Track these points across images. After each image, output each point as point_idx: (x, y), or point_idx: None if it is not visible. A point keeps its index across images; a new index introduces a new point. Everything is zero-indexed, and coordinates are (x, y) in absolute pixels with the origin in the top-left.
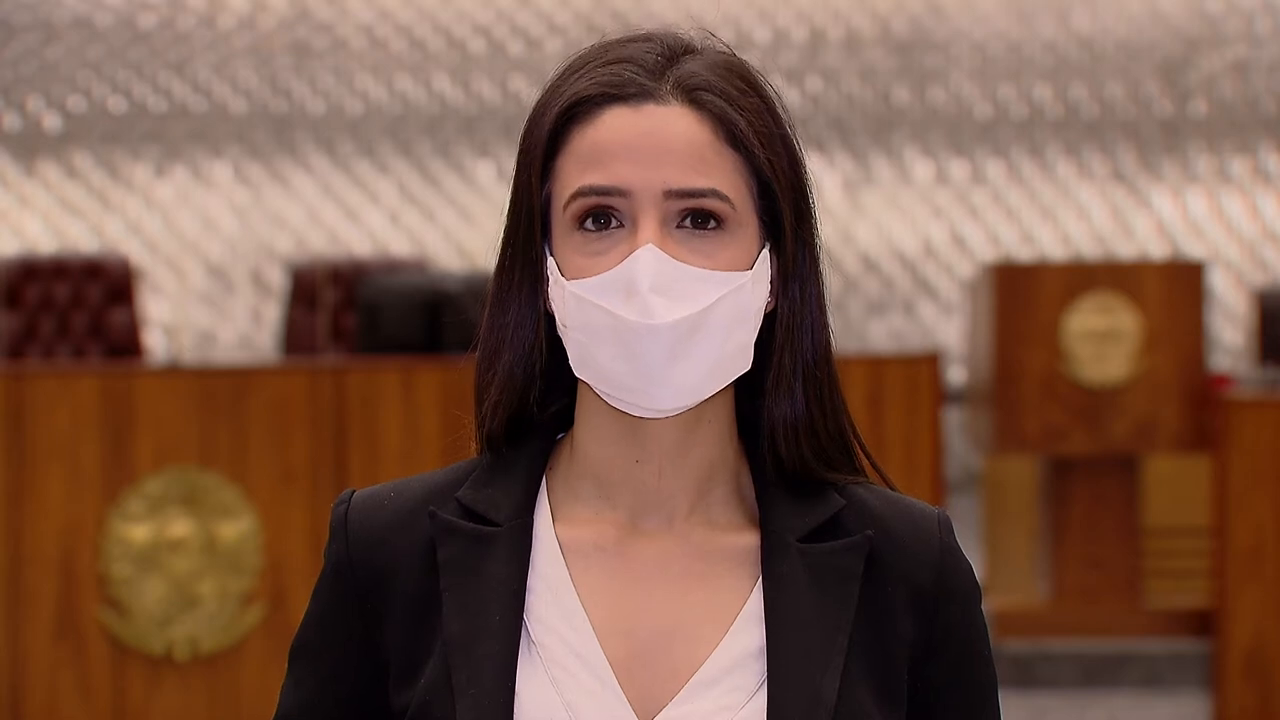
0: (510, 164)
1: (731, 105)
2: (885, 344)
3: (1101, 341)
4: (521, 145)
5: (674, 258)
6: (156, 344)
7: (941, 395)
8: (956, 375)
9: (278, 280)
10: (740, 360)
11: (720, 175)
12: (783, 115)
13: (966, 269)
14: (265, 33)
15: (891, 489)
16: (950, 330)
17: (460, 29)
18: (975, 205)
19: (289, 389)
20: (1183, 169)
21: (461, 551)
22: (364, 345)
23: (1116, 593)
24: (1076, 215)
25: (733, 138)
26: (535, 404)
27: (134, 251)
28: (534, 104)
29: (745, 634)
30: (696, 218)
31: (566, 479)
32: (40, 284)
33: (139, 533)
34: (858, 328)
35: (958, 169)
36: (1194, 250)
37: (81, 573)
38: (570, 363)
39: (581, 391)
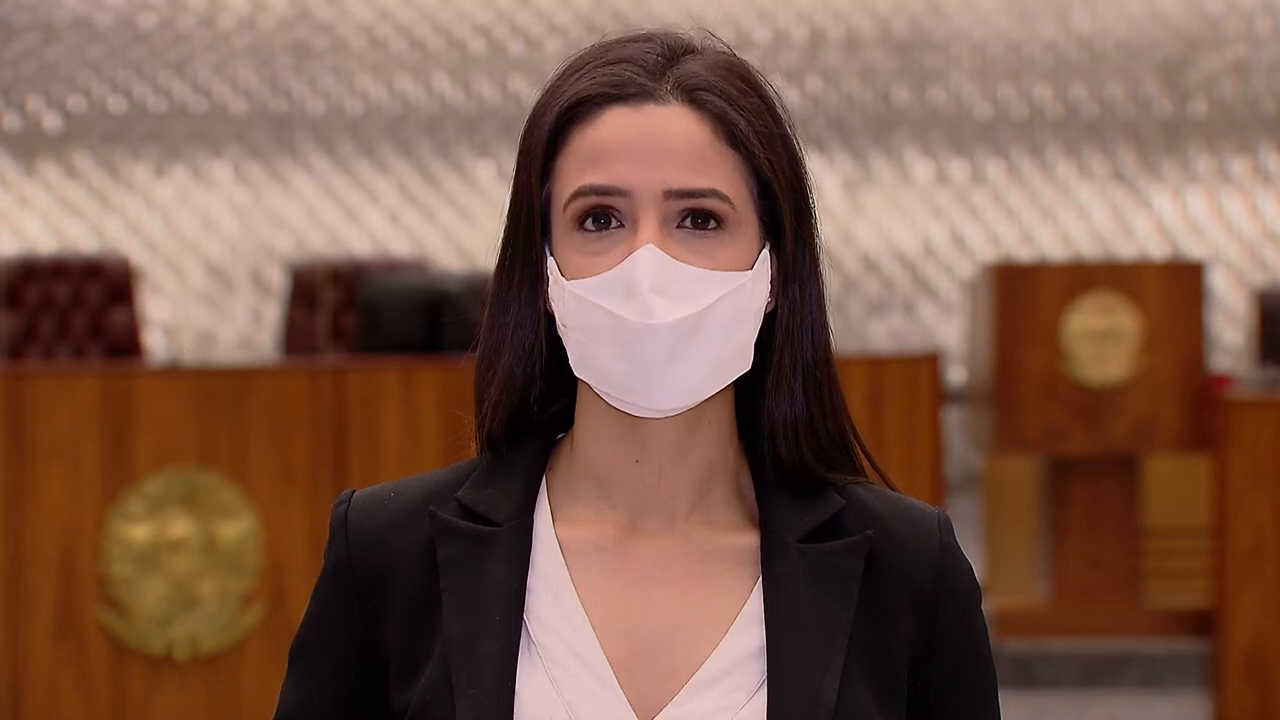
0: (510, 164)
1: (731, 105)
2: (885, 344)
3: (1101, 341)
4: (521, 145)
5: (674, 258)
6: (156, 344)
7: (941, 395)
8: (956, 375)
9: (278, 280)
10: (740, 360)
11: (720, 175)
12: (783, 115)
13: (966, 269)
14: (265, 33)
15: (891, 489)
16: (950, 330)
17: (460, 29)
18: (975, 205)
19: (289, 389)
20: (1183, 169)
21: (461, 551)
22: (364, 345)
23: (1116, 593)
24: (1076, 215)
25: (733, 138)
26: (535, 404)
27: (134, 251)
28: (534, 104)
29: (745, 634)
30: (696, 218)
31: (566, 479)
32: (40, 284)
33: (139, 533)
34: (858, 328)
35: (958, 169)
36: (1194, 250)
37: (81, 573)
38: (570, 363)
39: (581, 391)
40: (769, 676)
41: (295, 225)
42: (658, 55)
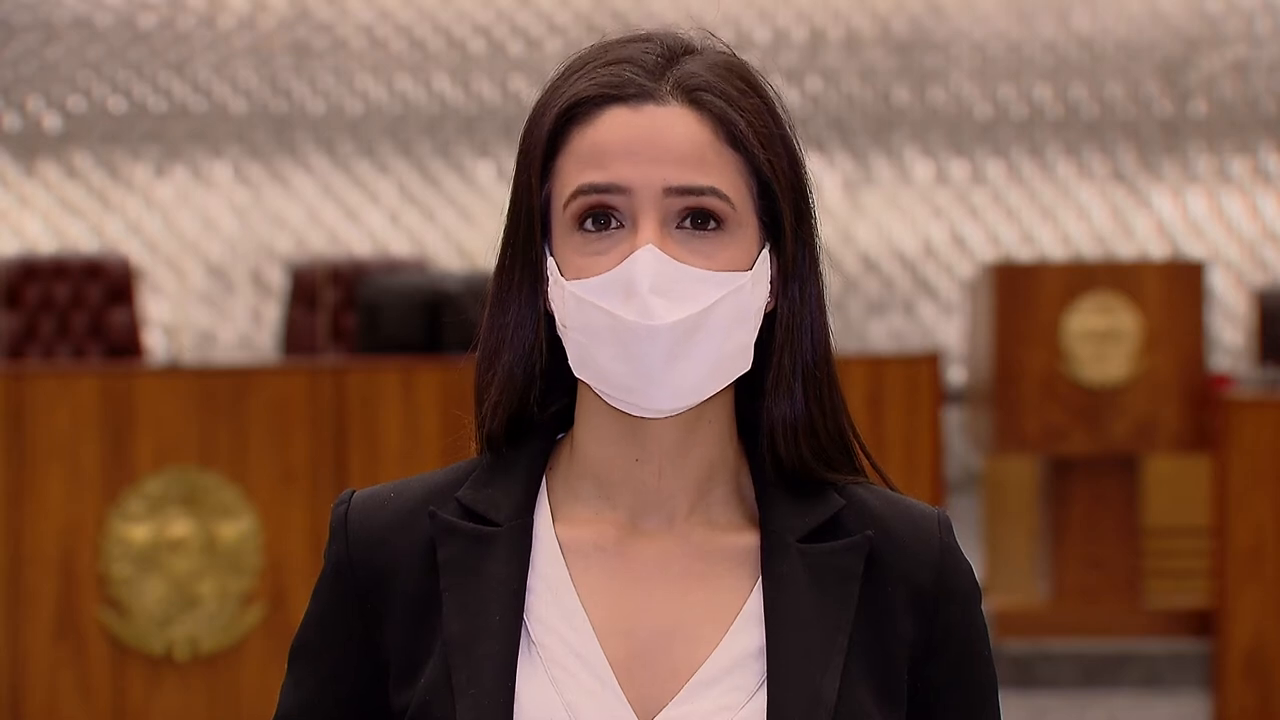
0: (510, 164)
1: (731, 105)
2: (885, 344)
3: (1101, 341)
4: (521, 146)
5: (674, 258)
6: (156, 344)
7: (941, 395)
8: (956, 375)
9: (278, 280)
10: (740, 360)
11: (720, 175)
12: (783, 116)
13: (966, 269)
14: (265, 33)
15: (891, 489)
16: (950, 330)
17: (460, 29)
18: (975, 205)
19: (289, 389)
20: (1183, 169)
21: (461, 551)
22: (364, 345)
23: (1116, 593)
24: (1076, 215)
25: (733, 138)
26: (535, 404)
27: (134, 251)
28: (534, 104)
29: (745, 634)
30: (696, 218)
31: (566, 479)
32: (40, 284)
33: (139, 533)
34: (858, 328)
35: (958, 169)
36: (1194, 250)
37: (81, 573)
38: (570, 363)
39: (581, 391)
40: (769, 676)
41: (295, 225)
42: (657, 56)
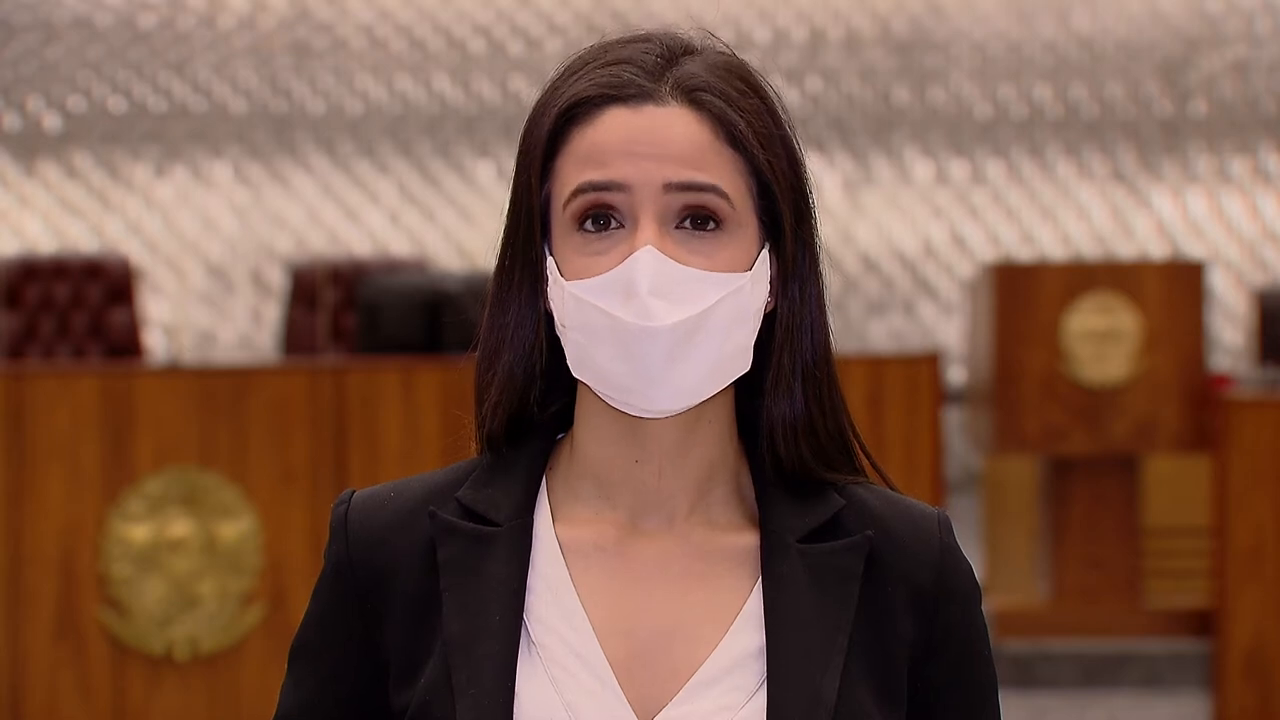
0: (510, 164)
1: (731, 106)
2: (885, 344)
3: (1101, 341)
4: (521, 146)
5: (673, 259)
6: (156, 344)
7: (941, 395)
8: (956, 375)
9: (278, 280)
10: (739, 361)
11: (720, 174)
12: (782, 116)
13: (966, 269)
14: (265, 33)
15: (892, 489)
16: (950, 330)
17: (460, 29)
18: (975, 205)
19: (289, 389)
20: (1183, 169)
21: (461, 551)
22: (364, 345)
23: (1116, 593)
24: (1076, 215)
25: (732, 138)
26: (535, 404)
27: (134, 251)
28: (534, 104)
29: (745, 634)
30: (696, 219)
31: (566, 479)
32: (40, 284)
33: (139, 533)
34: (858, 328)
35: (958, 169)
36: (1194, 250)
37: (81, 573)
38: (568, 363)
39: (581, 392)
40: (769, 676)
41: (295, 225)
42: (657, 56)
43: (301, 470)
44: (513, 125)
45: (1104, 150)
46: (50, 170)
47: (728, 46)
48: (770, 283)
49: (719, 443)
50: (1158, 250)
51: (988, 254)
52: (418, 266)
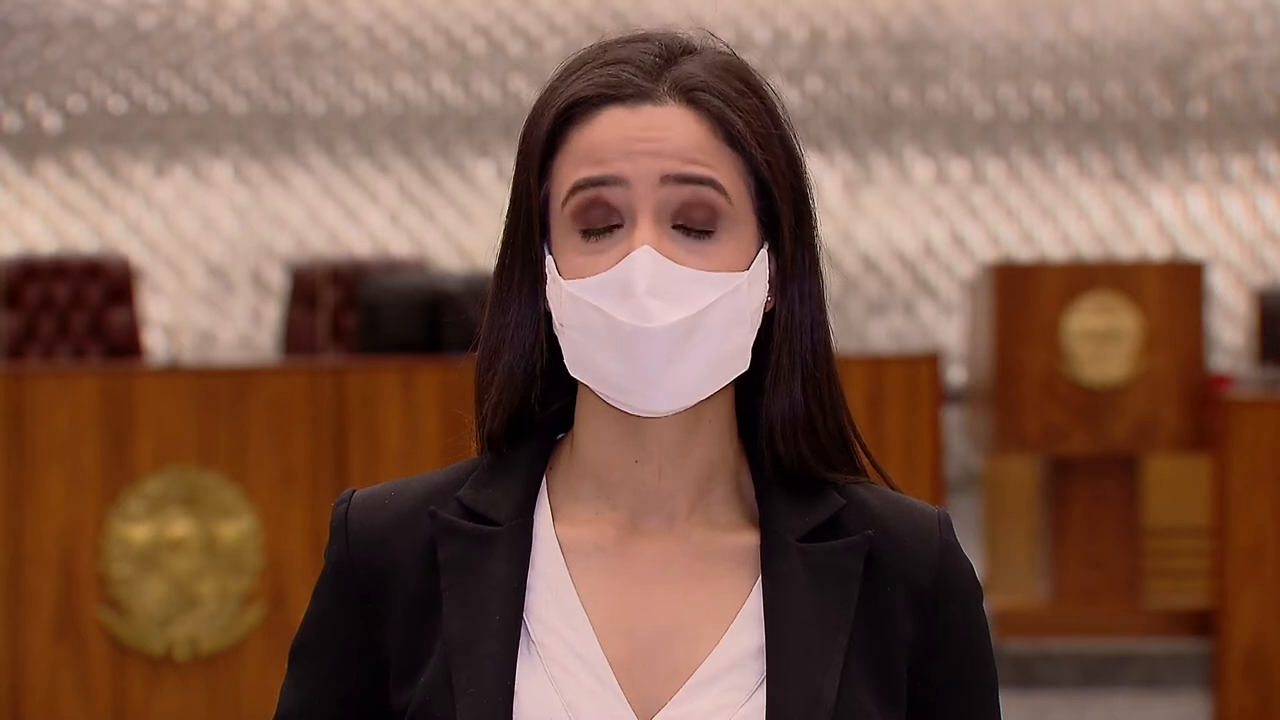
0: (510, 164)
1: (729, 106)
2: (885, 344)
3: (1101, 341)
4: (520, 146)
5: (670, 258)
6: (156, 344)
7: (941, 395)
8: (956, 375)
9: (278, 280)
10: (738, 361)
11: (718, 170)
12: (782, 116)
13: (966, 269)
14: (265, 33)
15: (892, 488)
16: (950, 330)
17: (460, 29)
18: (975, 205)
19: (289, 389)
20: (1183, 169)
21: (462, 551)
22: (364, 345)
23: (1116, 593)
24: (1076, 215)
25: (730, 137)
26: (536, 404)
27: (134, 251)
28: (533, 104)
29: (745, 633)
30: (693, 222)
31: (567, 479)
32: (40, 284)
33: (139, 533)
34: (858, 328)
35: (958, 169)
36: (1194, 250)
37: (81, 573)
38: (566, 363)
39: (582, 391)
40: (768, 675)
41: (295, 225)
42: (655, 56)
43: (301, 470)
44: (513, 125)
45: (1104, 150)
46: (50, 170)
47: (728, 47)
48: (770, 282)
49: (719, 442)
50: (1158, 250)
51: (988, 254)
52: (418, 266)
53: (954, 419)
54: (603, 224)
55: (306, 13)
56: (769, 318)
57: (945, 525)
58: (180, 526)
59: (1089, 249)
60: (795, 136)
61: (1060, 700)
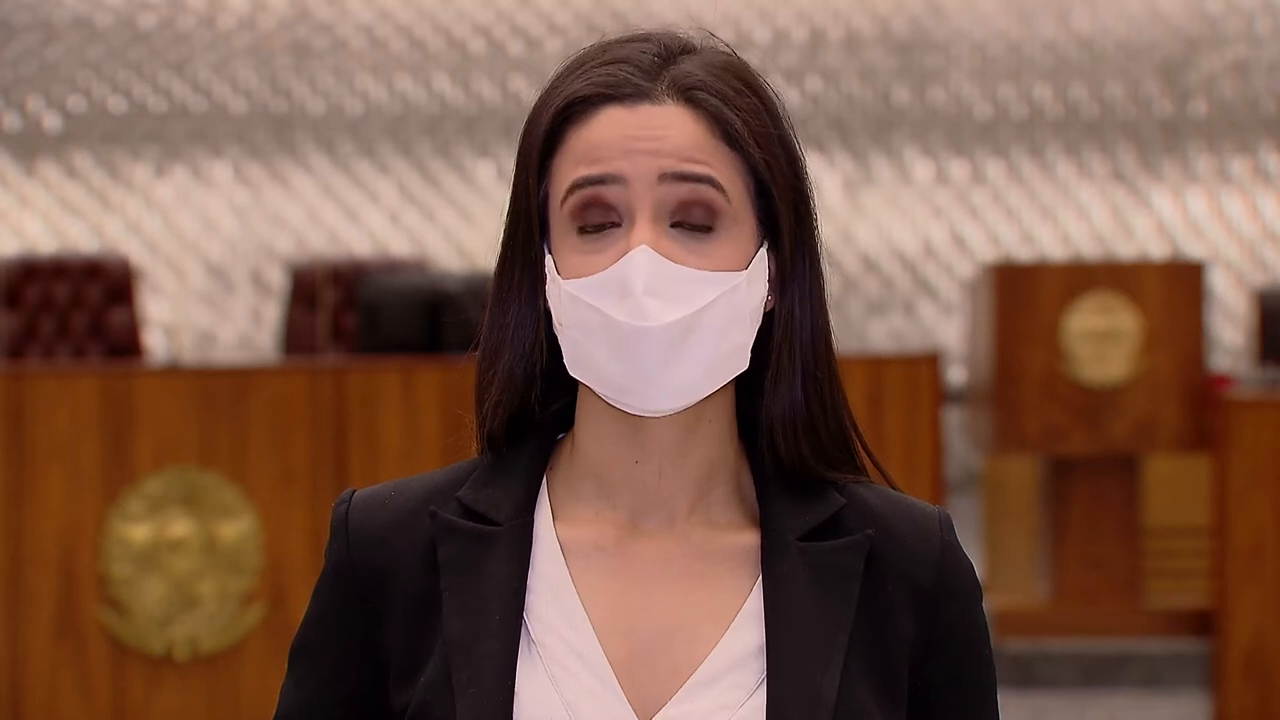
0: (510, 164)
1: (727, 105)
2: (885, 344)
3: (1101, 341)
4: (520, 146)
5: (668, 257)
6: (156, 344)
7: (941, 395)
8: (956, 375)
9: (278, 280)
10: (736, 360)
11: (716, 169)
12: (781, 116)
13: (966, 269)
14: (265, 33)
15: (893, 487)
16: (950, 330)
17: (460, 29)
18: (975, 205)
19: (289, 389)
20: (1183, 169)
21: (462, 551)
22: (364, 345)
23: (1116, 593)
24: (1076, 215)
25: (728, 136)
26: (536, 403)
27: (134, 251)
28: (533, 105)
29: (745, 632)
30: (692, 220)
31: (567, 479)
32: (40, 284)
33: (139, 533)
34: (858, 328)
35: (958, 169)
36: (1194, 250)
37: (81, 573)
38: (565, 362)
39: (582, 391)
40: (769, 674)
41: (295, 225)
42: (654, 55)
43: (301, 470)
44: (513, 125)
45: (1104, 150)
46: (50, 170)
47: (729, 47)
48: (769, 282)
49: (719, 442)
50: (1158, 250)
51: (988, 254)
52: (418, 266)
53: (954, 419)
54: (601, 222)
55: (306, 13)
56: (770, 317)
57: (946, 525)
58: (180, 526)
59: (1089, 249)
60: (795, 136)
61: (1060, 700)
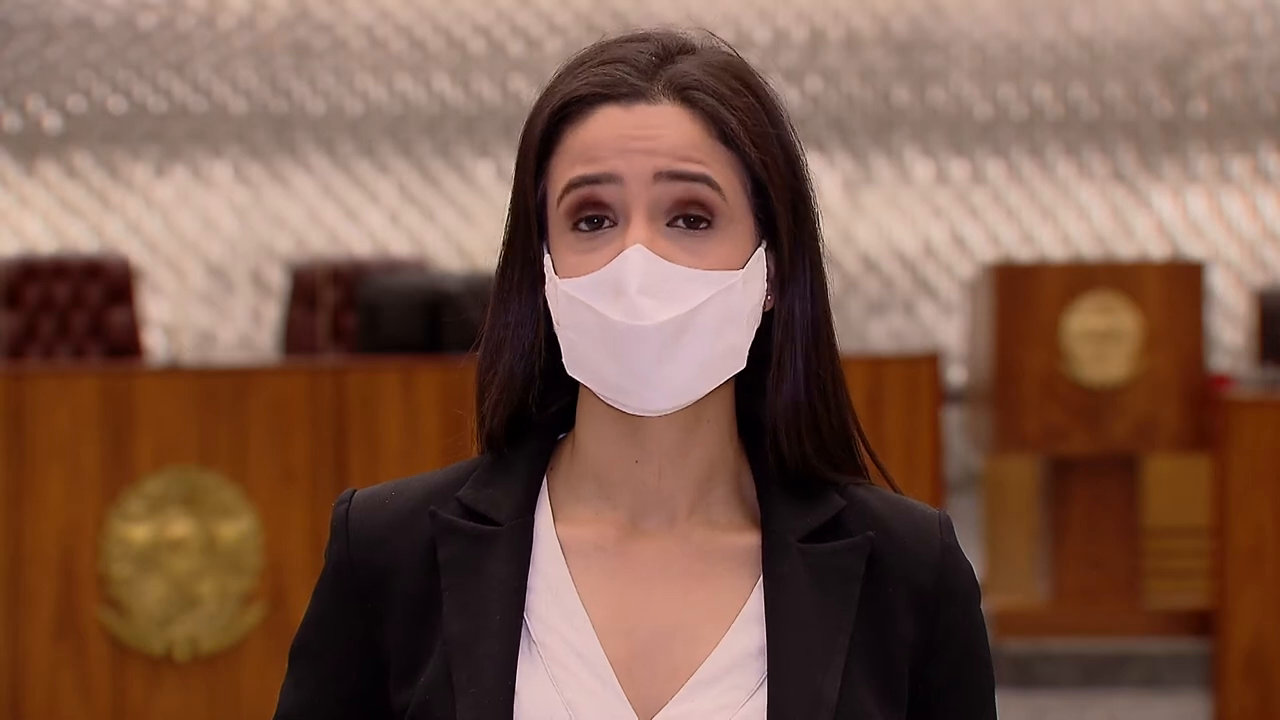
0: (510, 164)
1: (724, 104)
2: (885, 344)
3: (1101, 341)
4: (519, 146)
5: (664, 256)
6: (156, 344)
7: (941, 395)
8: (956, 375)
9: (278, 280)
10: (733, 360)
11: (712, 168)
12: (780, 115)
13: (966, 269)
14: (265, 33)
15: (893, 486)
16: (950, 330)
17: (460, 29)
18: (975, 205)
19: (289, 389)
20: (1183, 169)
21: (462, 551)
22: (364, 345)
23: (1116, 593)
24: (1076, 215)
25: (725, 136)
26: (534, 404)
27: (134, 251)
28: (533, 105)
29: (745, 633)
30: (689, 219)
31: (568, 479)
32: (40, 284)
33: (139, 533)
34: (858, 328)
35: (958, 169)
36: (1194, 250)
37: (81, 573)
38: (564, 362)
39: (582, 391)
40: (769, 675)
41: (295, 225)
42: (651, 55)
43: (301, 470)
44: (513, 125)
45: (1104, 150)
46: (50, 170)
47: (730, 47)
48: (769, 281)
49: (719, 442)
50: (1158, 250)
51: (988, 254)
52: (418, 266)
53: (954, 419)
54: (597, 220)
55: (306, 13)
56: (771, 317)
57: (946, 527)
58: (180, 526)
59: (1089, 249)
60: (795, 137)
61: (1060, 700)
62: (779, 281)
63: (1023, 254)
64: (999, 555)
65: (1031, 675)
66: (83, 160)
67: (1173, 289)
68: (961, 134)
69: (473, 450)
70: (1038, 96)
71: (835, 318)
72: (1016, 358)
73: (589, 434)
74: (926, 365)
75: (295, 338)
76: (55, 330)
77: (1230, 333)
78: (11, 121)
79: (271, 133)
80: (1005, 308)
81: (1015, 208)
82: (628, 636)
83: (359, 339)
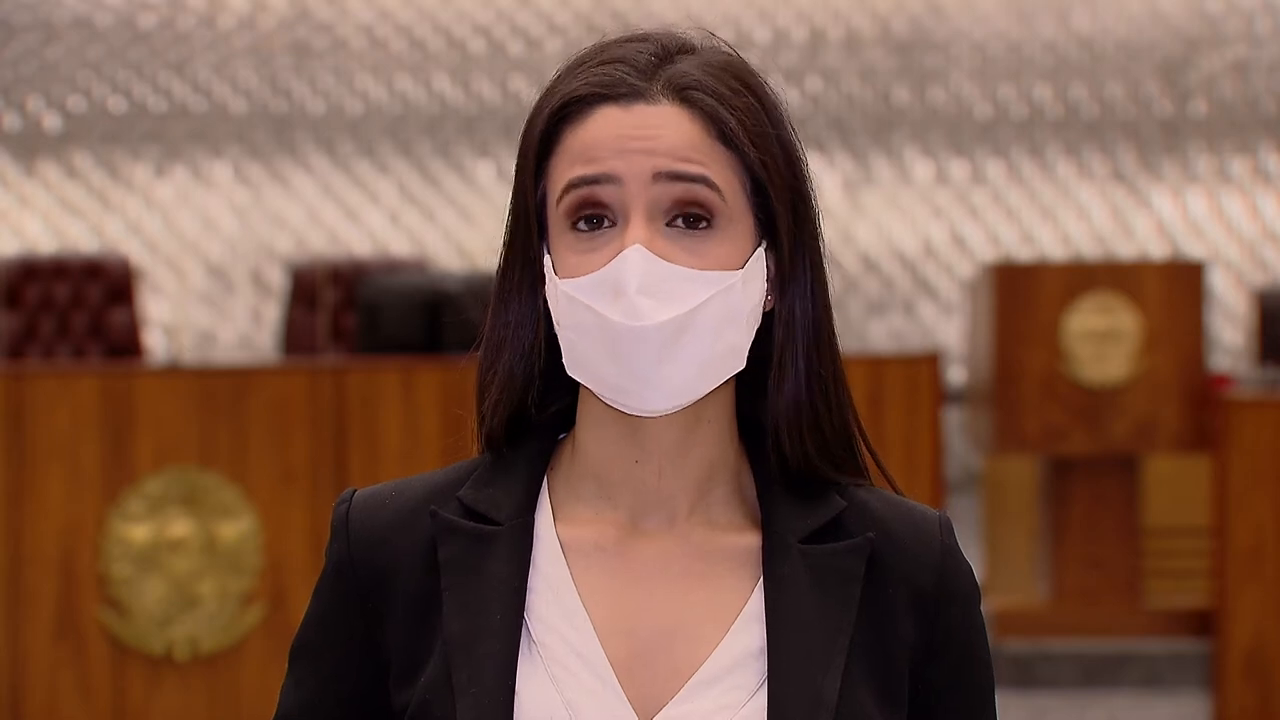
0: (510, 164)
1: (723, 104)
2: (885, 344)
3: (1101, 341)
4: (519, 147)
5: (663, 256)
6: (156, 344)
7: (941, 395)
8: (956, 375)
9: (278, 280)
10: (732, 360)
11: (711, 169)
12: (780, 115)
13: (966, 269)
14: (265, 33)
15: (894, 487)
16: (950, 330)
17: (460, 29)
18: (975, 205)
19: (289, 389)
20: (1183, 169)
21: (462, 551)
22: (364, 345)
23: (1116, 593)
24: (1076, 215)
25: (724, 136)
26: (534, 404)
27: (134, 251)
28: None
29: (746, 634)
30: (688, 219)
31: (568, 479)
32: (40, 284)
33: (139, 533)
34: (858, 328)
35: (958, 169)
36: (1194, 250)
37: (81, 573)
38: (564, 362)
39: (582, 392)
40: (769, 675)
41: (295, 225)
42: (651, 55)
43: (301, 470)
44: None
45: (1104, 150)
46: (50, 170)
47: (731, 47)
48: (769, 281)
49: (719, 443)
50: (1158, 250)
51: (988, 254)
52: (418, 266)
53: (954, 419)
54: (596, 220)
55: (306, 13)
56: (772, 317)
57: (946, 528)
58: (180, 526)
59: (1089, 249)
60: (796, 137)
61: (1060, 700)
62: (779, 281)
63: (1023, 254)
64: (999, 555)
65: (1031, 675)
66: (83, 160)
67: (1173, 289)
68: (961, 134)
69: (473, 450)
70: (1038, 96)
71: (835, 317)
72: (1016, 358)
73: (589, 434)
74: (926, 365)
75: (295, 338)
76: (55, 330)
77: (1230, 333)
78: (11, 121)
79: (271, 133)
80: (1005, 308)
81: (1015, 208)
82: (628, 636)
83: (359, 339)
